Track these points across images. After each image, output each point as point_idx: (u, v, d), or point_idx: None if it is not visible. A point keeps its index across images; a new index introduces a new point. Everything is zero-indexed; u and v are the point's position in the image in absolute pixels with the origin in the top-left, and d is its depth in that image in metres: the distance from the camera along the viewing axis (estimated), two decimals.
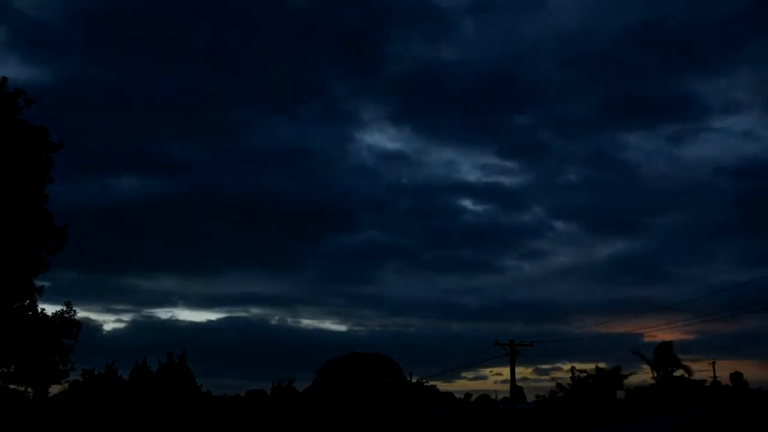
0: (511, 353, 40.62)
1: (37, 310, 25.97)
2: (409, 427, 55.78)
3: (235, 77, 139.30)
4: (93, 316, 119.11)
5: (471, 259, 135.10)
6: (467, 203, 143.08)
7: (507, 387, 68.67)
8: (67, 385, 38.75)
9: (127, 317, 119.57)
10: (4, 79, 23.64)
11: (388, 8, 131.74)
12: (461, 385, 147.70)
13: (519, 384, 73.25)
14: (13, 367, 26.21)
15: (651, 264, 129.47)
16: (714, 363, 66.62)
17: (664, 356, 58.94)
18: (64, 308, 26.99)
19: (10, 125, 23.59)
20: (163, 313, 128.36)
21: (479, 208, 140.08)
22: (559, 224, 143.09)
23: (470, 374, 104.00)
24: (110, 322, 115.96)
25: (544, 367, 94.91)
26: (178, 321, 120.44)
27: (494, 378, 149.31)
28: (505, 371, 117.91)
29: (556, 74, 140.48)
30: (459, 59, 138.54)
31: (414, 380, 63.81)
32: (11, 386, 27.20)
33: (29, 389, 28.61)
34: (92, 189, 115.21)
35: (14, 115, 23.66)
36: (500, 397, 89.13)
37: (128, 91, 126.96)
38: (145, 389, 42.11)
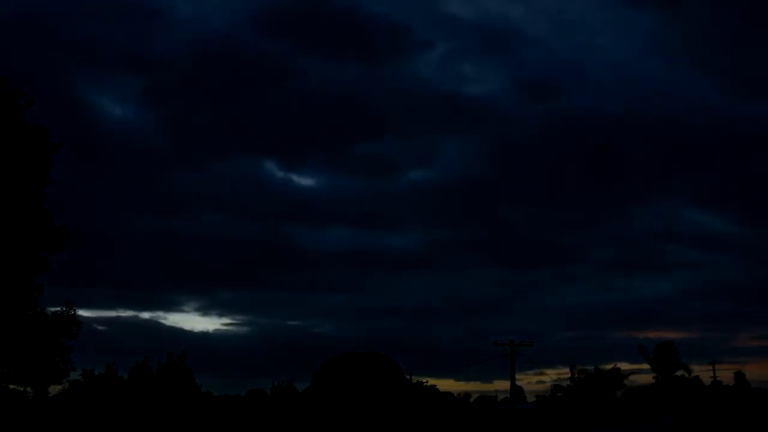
0: (511, 353, 40.83)
1: (37, 310, 25.93)
2: (406, 427, 55.67)
3: None
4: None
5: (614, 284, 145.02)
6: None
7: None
8: (67, 385, 38.76)
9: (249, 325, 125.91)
10: (5, 79, 23.66)
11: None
12: (499, 385, 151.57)
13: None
14: (13, 367, 26.18)
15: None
16: (714, 363, 66.89)
17: (665, 356, 58.77)
18: (65, 308, 26.95)
19: (11, 125, 23.59)
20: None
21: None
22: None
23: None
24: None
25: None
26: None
27: (536, 378, 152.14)
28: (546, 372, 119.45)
29: None
30: None
31: (414, 380, 63.88)
32: (11, 386, 27.18)
33: (29, 389, 28.57)
34: None
35: (14, 116, 23.66)
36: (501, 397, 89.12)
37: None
38: (144, 389, 42.04)
